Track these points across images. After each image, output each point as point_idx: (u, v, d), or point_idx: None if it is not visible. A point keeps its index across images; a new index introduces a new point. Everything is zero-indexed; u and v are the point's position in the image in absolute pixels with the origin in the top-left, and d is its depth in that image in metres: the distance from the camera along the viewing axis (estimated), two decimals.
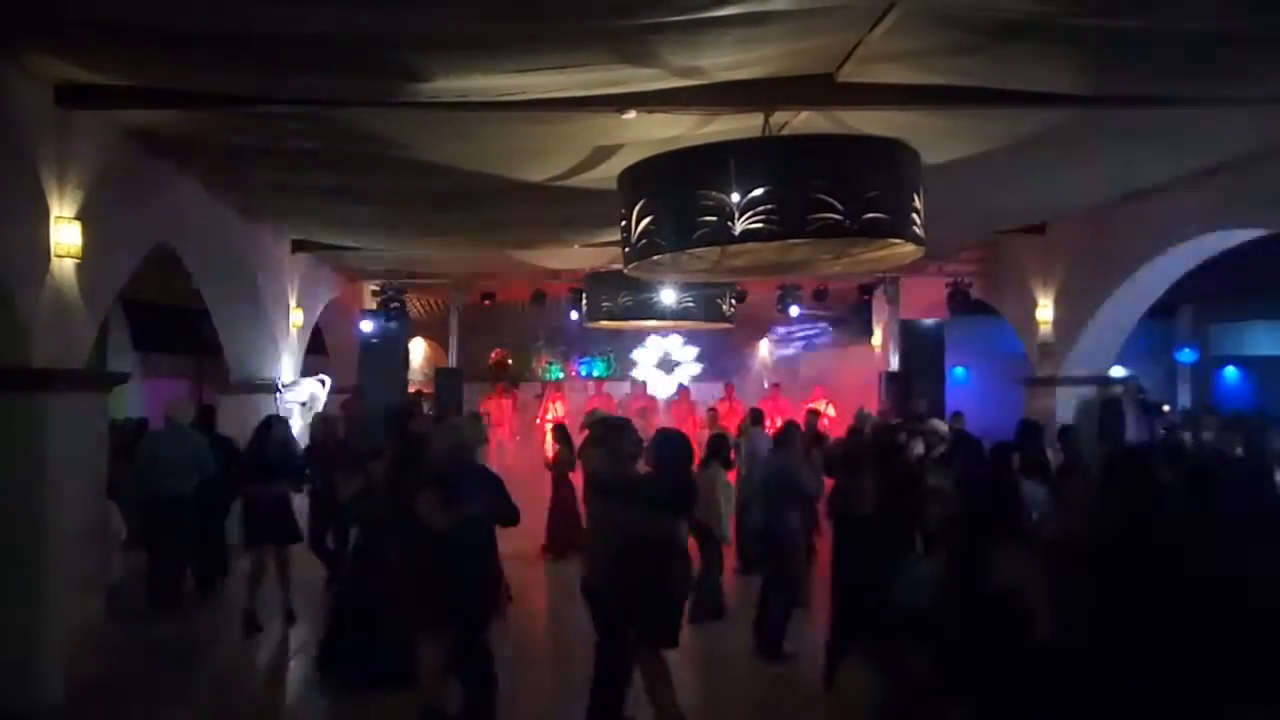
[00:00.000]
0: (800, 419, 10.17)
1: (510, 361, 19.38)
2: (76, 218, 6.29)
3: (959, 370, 16.94)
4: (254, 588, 8.00)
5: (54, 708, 6.10)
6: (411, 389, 16.30)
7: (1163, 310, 14.43)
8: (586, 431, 10.14)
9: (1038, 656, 2.45)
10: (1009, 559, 2.87)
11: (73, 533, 6.39)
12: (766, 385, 17.72)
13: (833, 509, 6.63)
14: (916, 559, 5.27)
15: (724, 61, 5.45)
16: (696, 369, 19.55)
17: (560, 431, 11.39)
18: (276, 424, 8.54)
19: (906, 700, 2.47)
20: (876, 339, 16.62)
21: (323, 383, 12.41)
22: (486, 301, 15.63)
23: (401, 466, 6.14)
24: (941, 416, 11.89)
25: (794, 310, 14.76)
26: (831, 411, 15.25)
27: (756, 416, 10.91)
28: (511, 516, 5.63)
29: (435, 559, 5.27)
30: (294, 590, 8.23)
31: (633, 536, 5.23)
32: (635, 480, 5.55)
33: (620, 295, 12.07)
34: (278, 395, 11.30)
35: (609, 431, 5.87)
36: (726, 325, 13.36)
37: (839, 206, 5.45)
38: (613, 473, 5.60)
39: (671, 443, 5.64)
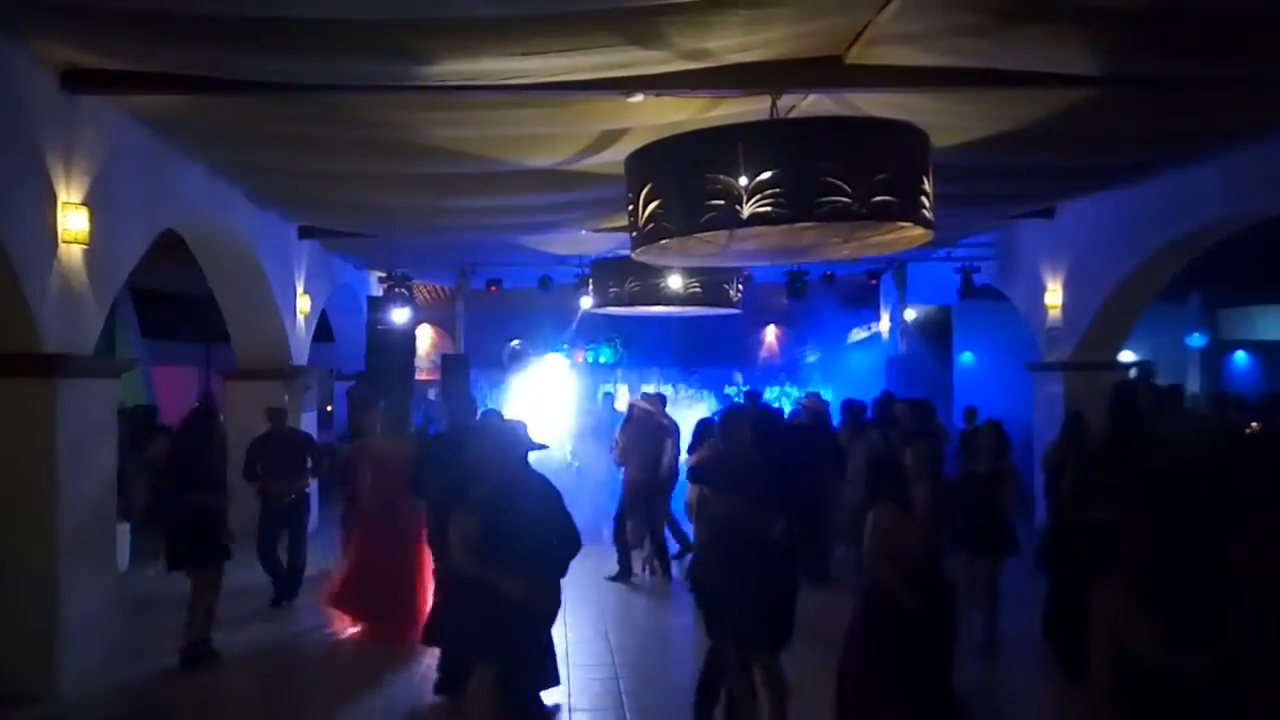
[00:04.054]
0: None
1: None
2: (84, 203, 6.29)
3: (966, 355, 16.91)
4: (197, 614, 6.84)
5: (66, 691, 6.14)
6: (420, 376, 16.31)
7: (1172, 294, 14.36)
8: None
9: None
10: None
11: (83, 518, 6.42)
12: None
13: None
14: None
15: (732, 44, 5.42)
16: None
17: None
18: (205, 419, 7.23)
19: None
20: (883, 324, 16.59)
21: None
22: (493, 288, 15.63)
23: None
24: (949, 402, 11.84)
25: None
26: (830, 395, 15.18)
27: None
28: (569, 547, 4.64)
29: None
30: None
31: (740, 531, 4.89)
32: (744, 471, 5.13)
33: (627, 281, 12.04)
34: None
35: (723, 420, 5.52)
36: (733, 310, 13.33)
37: (848, 189, 5.41)
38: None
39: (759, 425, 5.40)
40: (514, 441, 4.73)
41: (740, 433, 5.27)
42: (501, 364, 17.76)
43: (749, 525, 4.86)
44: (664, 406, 10.58)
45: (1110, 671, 2.79)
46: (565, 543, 4.57)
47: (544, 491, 4.60)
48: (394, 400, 10.35)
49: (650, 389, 14.64)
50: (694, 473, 6.94)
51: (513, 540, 4.37)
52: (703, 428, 8.25)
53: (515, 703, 4.55)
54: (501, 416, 5.73)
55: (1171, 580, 2.70)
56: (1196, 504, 2.77)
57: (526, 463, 4.75)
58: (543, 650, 4.88)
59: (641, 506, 9.68)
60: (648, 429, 9.92)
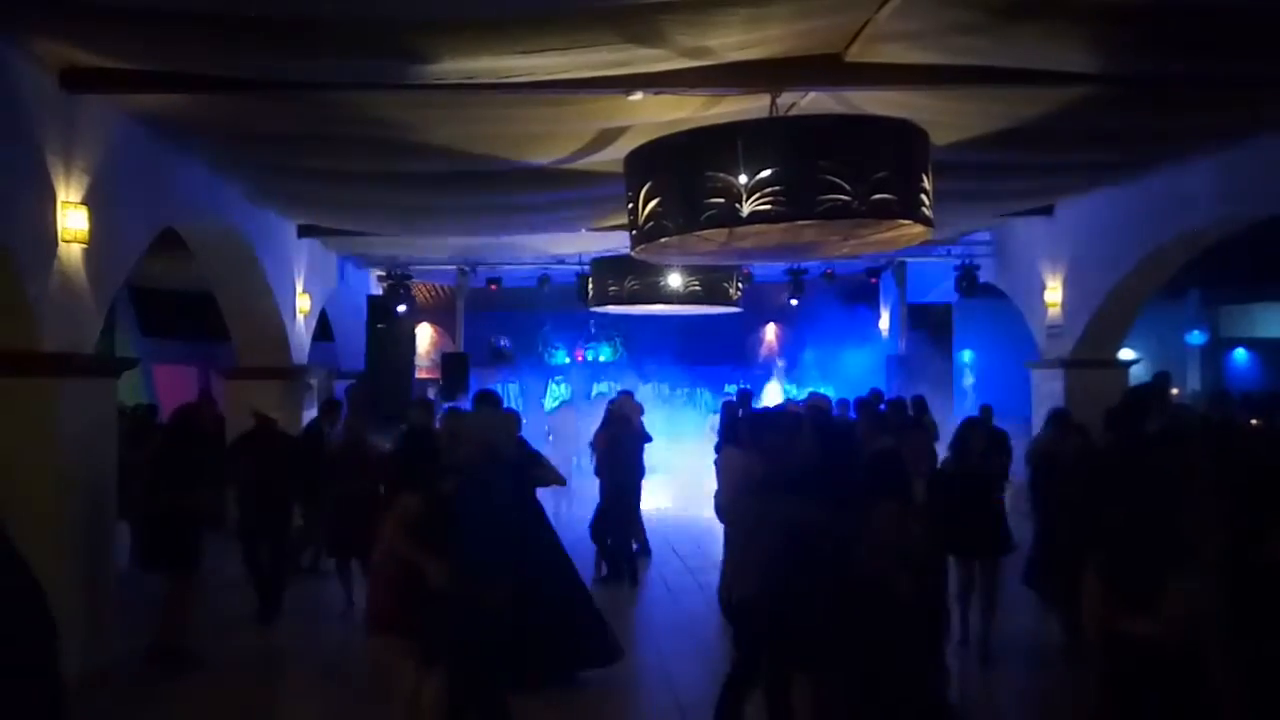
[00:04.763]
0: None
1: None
2: (83, 203, 6.29)
3: (967, 353, 16.91)
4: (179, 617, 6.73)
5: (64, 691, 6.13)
6: (419, 374, 16.32)
7: (1172, 292, 14.36)
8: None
9: None
10: None
11: (83, 517, 6.42)
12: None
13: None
14: None
15: (732, 42, 5.42)
16: None
17: None
18: (186, 418, 7.08)
19: None
20: (883, 322, 16.59)
21: None
22: (493, 286, 15.63)
23: None
24: (949, 399, 11.84)
25: None
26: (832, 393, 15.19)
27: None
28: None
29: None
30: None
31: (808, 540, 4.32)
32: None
33: (626, 279, 12.06)
34: None
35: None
36: (733, 308, 13.34)
37: (847, 187, 5.43)
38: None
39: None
40: (493, 431, 4.69)
41: (790, 430, 4.82)
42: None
43: (820, 531, 4.32)
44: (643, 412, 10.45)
45: (1102, 652, 3.01)
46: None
47: (515, 482, 4.56)
48: (363, 402, 10.20)
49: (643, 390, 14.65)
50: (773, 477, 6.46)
51: (477, 530, 4.28)
52: (729, 420, 8.14)
53: (466, 704, 4.39)
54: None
55: (1146, 567, 2.96)
56: (1176, 500, 3.03)
57: (506, 453, 4.68)
58: (512, 648, 4.51)
59: (615, 512, 9.61)
60: (626, 432, 9.85)
